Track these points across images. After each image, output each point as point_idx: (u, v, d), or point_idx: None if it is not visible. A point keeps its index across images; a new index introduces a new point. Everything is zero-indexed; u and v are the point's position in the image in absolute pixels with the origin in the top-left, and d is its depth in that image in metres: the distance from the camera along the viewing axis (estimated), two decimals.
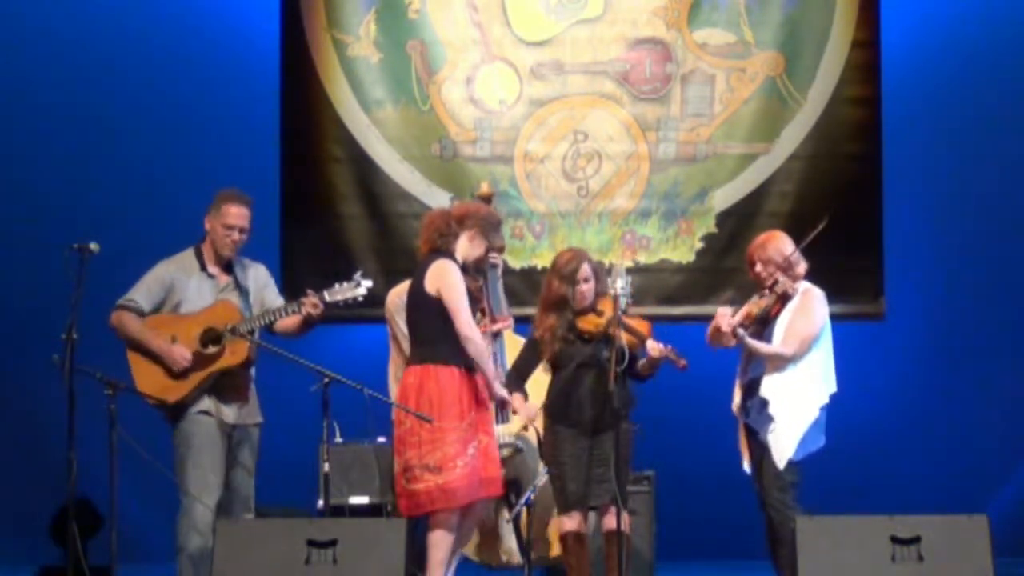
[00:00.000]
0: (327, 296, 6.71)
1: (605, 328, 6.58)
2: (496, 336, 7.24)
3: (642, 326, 6.72)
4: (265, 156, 9.30)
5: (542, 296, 6.86)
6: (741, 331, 6.79)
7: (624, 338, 6.53)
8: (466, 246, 6.56)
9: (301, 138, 9.42)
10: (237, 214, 6.78)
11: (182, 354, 6.63)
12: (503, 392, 6.64)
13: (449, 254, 6.51)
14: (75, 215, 8.89)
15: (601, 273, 6.77)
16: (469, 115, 9.46)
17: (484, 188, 7.58)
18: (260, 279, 6.92)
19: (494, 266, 7.09)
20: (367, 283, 6.76)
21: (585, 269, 6.73)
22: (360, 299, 6.77)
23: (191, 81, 9.41)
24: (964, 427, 9.48)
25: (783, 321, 6.85)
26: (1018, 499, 9.37)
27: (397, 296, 7.13)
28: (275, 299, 6.87)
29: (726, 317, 6.85)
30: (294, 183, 9.40)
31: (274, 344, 6.66)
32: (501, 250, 6.74)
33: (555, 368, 6.78)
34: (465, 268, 6.54)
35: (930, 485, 9.13)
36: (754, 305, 6.87)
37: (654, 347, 6.64)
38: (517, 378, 6.85)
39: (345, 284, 6.76)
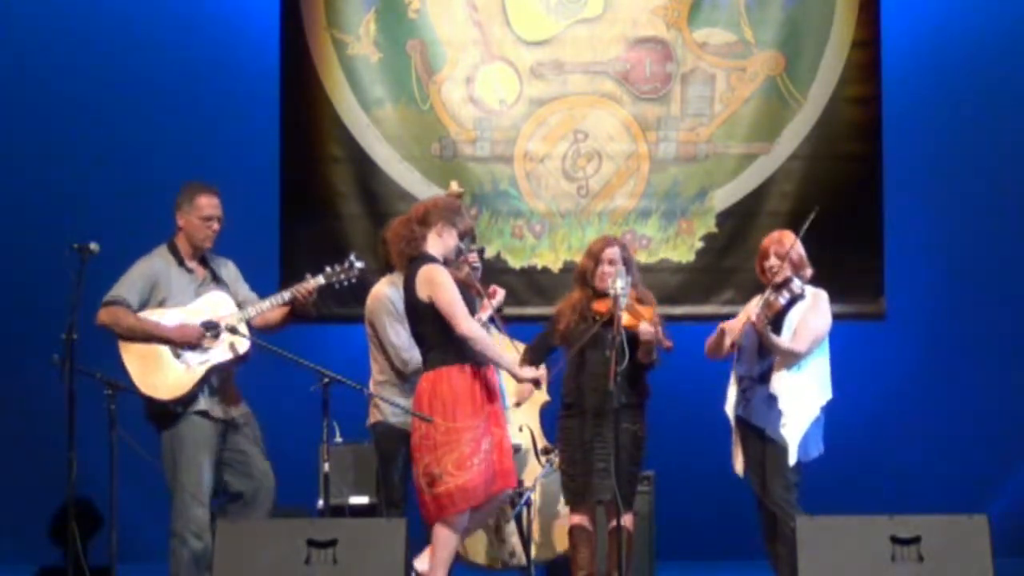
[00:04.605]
0: (322, 279, 6.72)
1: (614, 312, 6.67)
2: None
3: (646, 311, 6.81)
4: (265, 156, 9.30)
5: (573, 274, 7.23)
6: (767, 326, 6.82)
7: (626, 319, 6.64)
8: (438, 241, 6.51)
9: (301, 138, 9.42)
10: (210, 204, 6.77)
11: (194, 327, 6.61)
12: (526, 373, 6.64)
13: (427, 257, 6.50)
14: (75, 215, 8.88)
15: (632, 265, 6.94)
16: (469, 115, 9.46)
17: (453, 187, 7.55)
18: (231, 273, 6.91)
19: (475, 268, 7.05)
20: (360, 264, 6.79)
21: (610, 252, 6.95)
22: (354, 279, 6.79)
23: (191, 81, 9.41)
24: (964, 427, 9.47)
25: (792, 320, 6.90)
26: (1018, 499, 9.37)
27: (375, 300, 7.11)
28: (248, 294, 6.86)
29: (734, 331, 6.95)
30: (294, 183, 9.40)
31: (273, 344, 6.65)
32: (470, 230, 6.72)
33: (567, 346, 6.95)
34: (447, 261, 6.53)
35: (930, 485, 9.14)
36: (767, 305, 6.88)
37: (646, 329, 6.74)
38: (532, 352, 7.00)
39: (338, 266, 6.77)
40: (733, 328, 7.00)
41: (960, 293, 9.55)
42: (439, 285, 6.38)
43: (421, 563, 6.43)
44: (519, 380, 6.66)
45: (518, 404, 7.18)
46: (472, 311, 6.52)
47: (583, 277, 7.03)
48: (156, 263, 6.76)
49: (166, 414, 6.64)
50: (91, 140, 9.40)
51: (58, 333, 6.44)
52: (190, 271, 6.78)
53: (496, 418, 6.49)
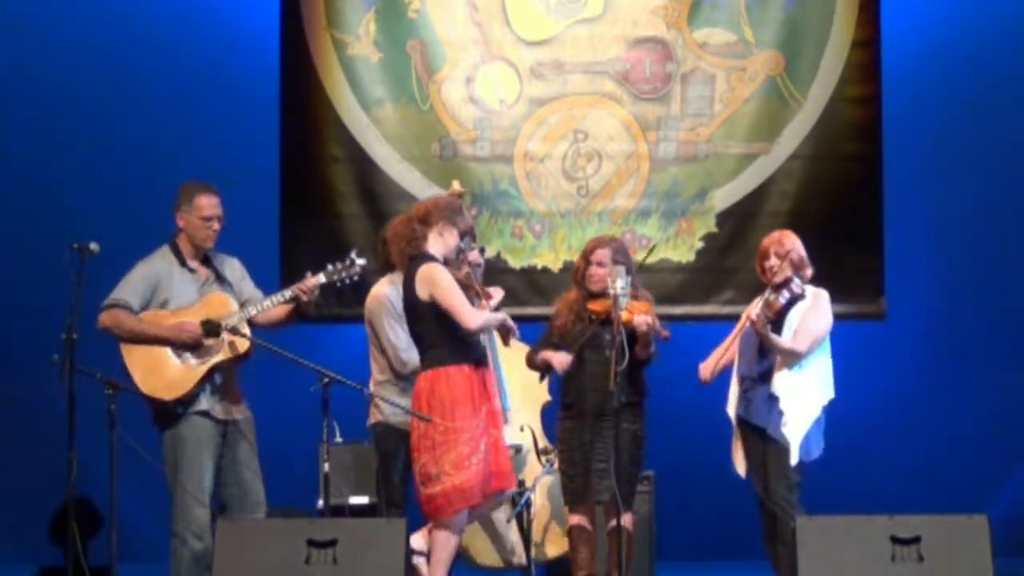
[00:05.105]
0: (323, 277, 6.72)
1: (610, 311, 6.66)
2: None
3: (641, 306, 6.82)
4: (265, 155, 9.30)
5: (571, 273, 7.22)
6: (766, 326, 6.83)
7: (624, 316, 6.64)
8: (438, 241, 6.52)
9: (301, 138, 9.41)
10: (210, 204, 6.75)
11: (193, 325, 6.60)
12: (509, 320, 6.60)
13: (427, 256, 6.50)
14: (75, 215, 8.88)
15: (629, 265, 6.91)
16: (469, 115, 9.46)
17: (455, 187, 7.55)
18: (236, 271, 6.90)
19: (477, 266, 7.06)
20: (361, 261, 6.78)
21: (600, 253, 6.93)
22: (355, 277, 6.78)
23: (191, 81, 9.41)
24: (964, 427, 9.47)
25: (792, 320, 6.91)
26: (1018, 499, 9.37)
27: (374, 300, 7.11)
28: (253, 292, 6.86)
29: (709, 366, 7.08)
30: (294, 182, 9.39)
31: (274, 344, 6.64)
32: (470, 230, 6.73)
33: (565, 345, 6.95)
34: (447, 261, 6.53)
35: (930, 485, 9.13)
36: (767, 305, 6.88)
37: (641, 321, 6.74)
38: (538, 352, 7.00)
39: (339, 264, 6.77)
40: (707, 366, 7.06)
41: (960, 293, 9.55)
42: (439, 283, 6.38)
43: (417, 541, 6.42)
44: (503, 327, 6.61)
45: (521, 429, 7.27)
46: None
47: (576, 277, 7.05)
48: (157, 264, 6.75)
49: (167, 414, 6.64)
50: (91, 140, 9.40)
51: (58, 333, 6.44)
52: (192, 271, 6.78)
53: (494, 418, 6.49)
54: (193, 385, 6.62)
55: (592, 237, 7.42)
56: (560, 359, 6.89)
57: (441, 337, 6.42)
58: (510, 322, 6.62)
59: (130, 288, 6.69)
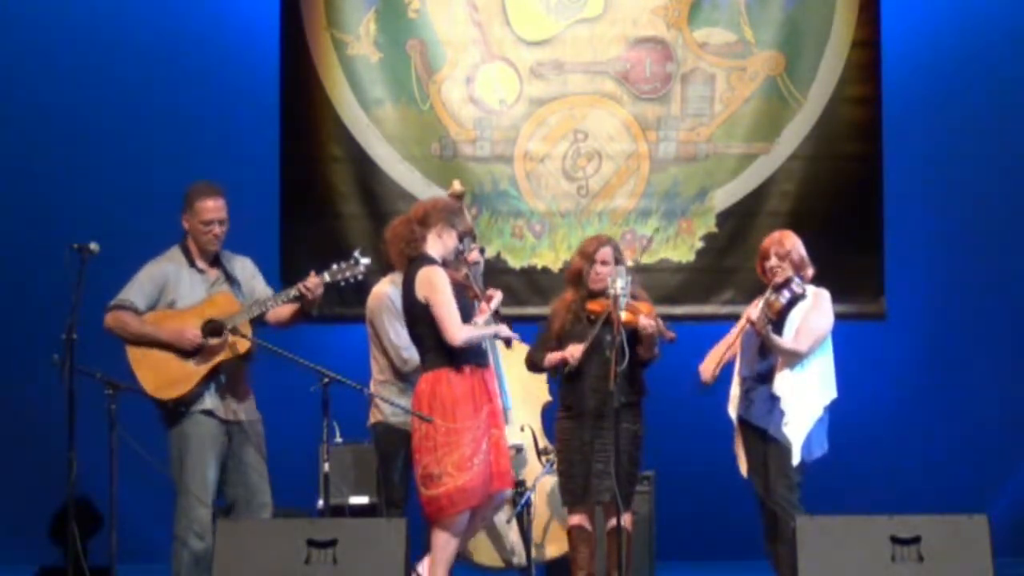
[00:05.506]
0: (327, 276, 6.71)
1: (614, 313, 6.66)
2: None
3: (643, 306, 6.81)
4: (265, 155, 9.30)
5: (565, 274, 7.19)
6: (767, 326, 6.83)
7: (625, 316, 6.62)
8: (437, 242, 6.53)
9: (301, 137, 9.41)
10: (213, 208, 6.74)
11: (193, 333, 6.60)
12: (505, 331, 6.61)
13: (426, 258, 6.49)
14: (75, 215, 8.88)
15: (625, 265, 6.90)
16: (469, 115, 9.46)
17: (456, 186, 7.54)
18: (247, 270, 6.90)
19: (475, 263, 7.06)
20: (365, 260, 6.76)
21: (604, 252, 6.92)
22: (360, 277, 6.77)
23: (191, 81, 9.41)
24: (964, 427, 9.47)
25: (794, 320, 6.91)
26: (1018, 499, 9.37)
27: (375, 299, 7.11)
28: (264, 290, 6.85)
29: (709, 368, 7.02)
30: (294, 182, 9.39)
31: (275, 344, 6.64)
32: (469, 231, 6.72)
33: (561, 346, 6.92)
34: (446, 262, 6.53)
35: (930, 485, 9.13)
36: (768, 306, 6.88)
37: (646, 323, 6.73)
38: (536, 354, 6.99)
39: (343, 264, 6.76)
40: (707, 367, 7.05)
41: (960, 293, 9.55)
42: (435, 290, 6.38)
43: (424, 567, 6.43)
44: (500, 336, 6.65)
45: (522, 429, 7.24)
46: (469, 315, 6.51)
47: (576, 277, 7.00)
48: (166, 265, 6.76)
49: (172, 412, 6.65)
50: (91, 140, 9.40)
51: (58, 333, 6.44)
52: (201, 272, 6.79)
53: (495, 418, 6.49)
54: (194, 384, 6.62)
55: (588, 238, 7.37)
56: (573, 351, 6.84)
57: (440, 339, 6.41)
58: (505, 332, 6.61)
59: (137, 288, 6.71)
